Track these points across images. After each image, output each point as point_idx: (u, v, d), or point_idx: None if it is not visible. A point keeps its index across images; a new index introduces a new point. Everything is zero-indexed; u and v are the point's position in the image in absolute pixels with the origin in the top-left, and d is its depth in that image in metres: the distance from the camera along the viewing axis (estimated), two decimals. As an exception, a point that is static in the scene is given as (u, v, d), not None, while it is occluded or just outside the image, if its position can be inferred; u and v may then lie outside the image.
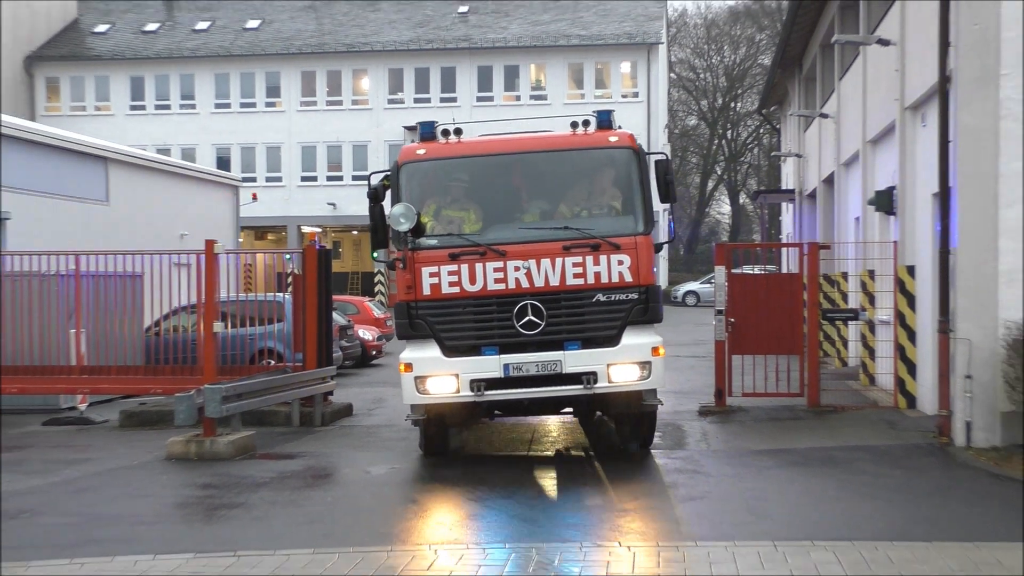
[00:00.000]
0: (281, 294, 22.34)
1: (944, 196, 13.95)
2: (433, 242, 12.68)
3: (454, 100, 55.51)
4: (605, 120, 13.35)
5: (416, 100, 56.13)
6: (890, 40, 17.94)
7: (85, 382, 18.54)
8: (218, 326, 16.76)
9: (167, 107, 57.44)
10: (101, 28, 60.05)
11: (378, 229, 13.07)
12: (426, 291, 12.47)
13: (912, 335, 16.55)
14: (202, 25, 59.51)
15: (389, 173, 13.11)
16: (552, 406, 14.12)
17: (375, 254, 13.90)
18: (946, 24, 13.79)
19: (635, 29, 56.10)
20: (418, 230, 12.41)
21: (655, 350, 12.59)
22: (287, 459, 14.45)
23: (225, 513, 11.22)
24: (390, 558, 8.86)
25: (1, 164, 21.94)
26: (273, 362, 19.51)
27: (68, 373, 18.56)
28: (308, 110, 56.98)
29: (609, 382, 12.42)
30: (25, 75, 57.15)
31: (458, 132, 13.28)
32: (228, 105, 57.28)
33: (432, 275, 12.46)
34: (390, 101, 56.53)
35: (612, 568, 8.40)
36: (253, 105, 57.25)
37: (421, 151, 13.11)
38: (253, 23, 59.17)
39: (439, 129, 13.33)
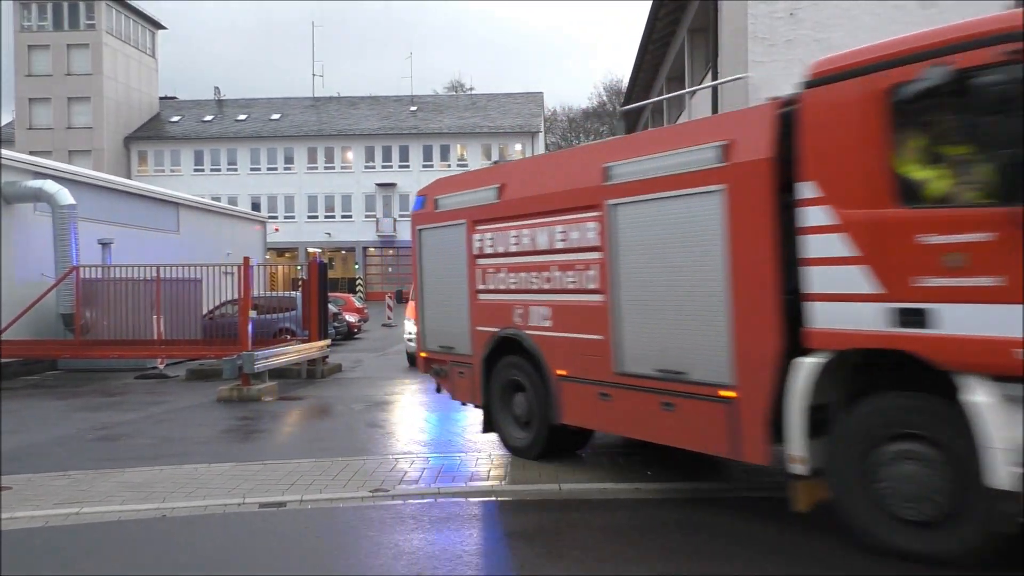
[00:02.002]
0: (294, 292, 21.98)
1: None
2: None
3: (407, 167, 55.31)
4: None
5: (383, 166, 55.65)
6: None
7: (163, 350, 18.01)
8: (252, 313, 16.40)
9: (218, 170, 55.86)
10: (175, 118, 58.34)
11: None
12: None
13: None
14: (242, 116, 58.07)
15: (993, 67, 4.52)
16: None
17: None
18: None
19: (524, 122, 56.30)
20: None
21: None
22: (298, 400, 14.14)
23: (256, 436, 10.98)
24: (366, 463, 8.74)
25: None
26: (289, 337, 19.09)
27: (152, 344, 18.00)
28: (312, 172, 55.88)
29: None
30: (124, 149, 55.26)
31: None
32: (259, 168, 55.90)
33: None
34: (365, 167, 55.82)
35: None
36: (276, 169, 55.95)
37: None
38: (276, 115, 57.98)
39: None
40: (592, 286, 7.43)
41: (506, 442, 8.95)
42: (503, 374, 8.78)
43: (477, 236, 8.88)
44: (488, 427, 9.21)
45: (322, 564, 5.80)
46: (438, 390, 10.18)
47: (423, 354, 10.16)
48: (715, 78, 13.90)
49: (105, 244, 20.20)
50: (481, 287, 8.89)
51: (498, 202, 8.59)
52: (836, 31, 13.17)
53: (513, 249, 8.39)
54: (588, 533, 6.35)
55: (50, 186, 19.25)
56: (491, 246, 8.71)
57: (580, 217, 7.50)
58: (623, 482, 7.66)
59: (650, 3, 17.78)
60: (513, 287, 8.44)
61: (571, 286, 7.69)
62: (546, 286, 7.99)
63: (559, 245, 7.79)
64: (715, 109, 13.92)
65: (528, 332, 8.25)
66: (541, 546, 6.03)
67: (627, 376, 7.07)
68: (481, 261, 8.87)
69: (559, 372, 7.92)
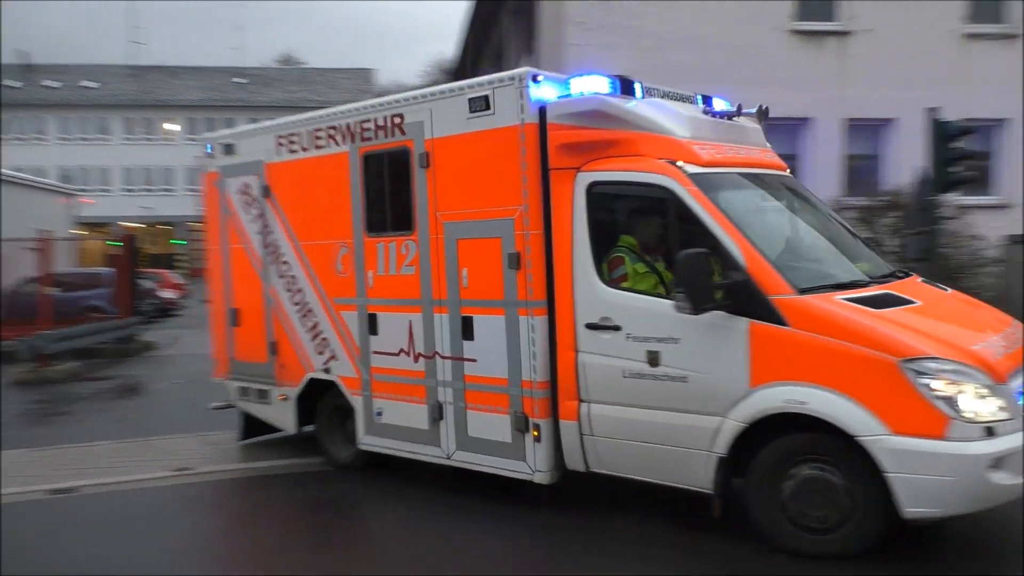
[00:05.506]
0: (106, 268, 20.37)
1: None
2: None
3: (234, 141, 52.82)
4: None
5: (208, 140, 52.81)
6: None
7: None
8: (55, 290, 15.05)
9: (23, 139, 50.85)
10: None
11: None
12: None
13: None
14: (54, 83, 52.98)
15: None
16: None
17: None
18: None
19: (351, 97, 51.22)
20: None
21: None
22: (105, 380, 13.07)
23: (54, 419, 10.16)
24: (170, 442, 8.21)
25: None
26: (98, 315, 17.61)
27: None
28: (129, 143, 52.15)
29: None
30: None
31: None
32: (69, 139, 51.53)
33: None
34: (188, 139, 52.70)
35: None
36: (88, 139, 51.78)
37: None
38: (92, 83, 53.39)
39: None
40: None
41: None
42: None
43: None
44: None
45: (109, 551, 5.34)
46: None
47: None
48: (535, 60, 14.06)
49: None
50: None
51: None
52: (647, 19, 13.59)
53: None
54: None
55: None
56: None
57: None
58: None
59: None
60: None
61: None
62: None
63: None
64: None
65: None
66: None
67: None
68: None
69: None
